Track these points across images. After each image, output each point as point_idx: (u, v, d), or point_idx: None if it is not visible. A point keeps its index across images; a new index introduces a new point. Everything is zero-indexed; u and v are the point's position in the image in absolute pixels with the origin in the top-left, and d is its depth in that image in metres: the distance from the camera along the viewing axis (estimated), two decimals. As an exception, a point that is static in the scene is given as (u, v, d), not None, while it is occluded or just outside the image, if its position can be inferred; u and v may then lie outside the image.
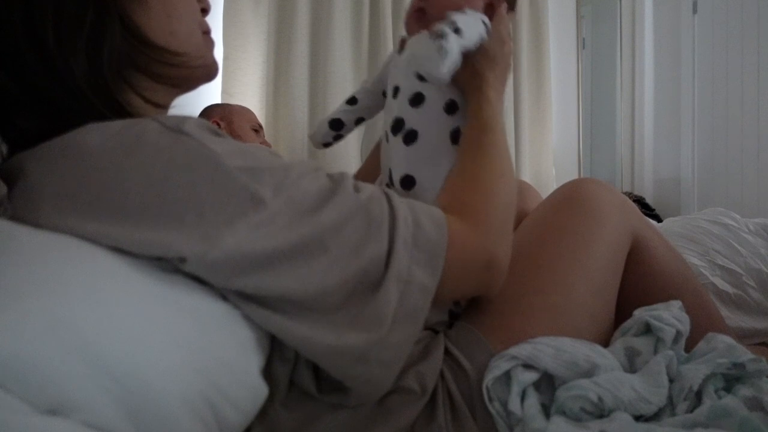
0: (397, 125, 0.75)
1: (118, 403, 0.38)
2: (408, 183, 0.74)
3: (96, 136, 0.46)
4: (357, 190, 0.53)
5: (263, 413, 0.51)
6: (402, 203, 0.54)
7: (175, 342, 0.42)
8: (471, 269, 0.56)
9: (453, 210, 0.57)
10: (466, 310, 0.70)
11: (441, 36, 0.62)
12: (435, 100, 0.74)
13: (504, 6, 0.78)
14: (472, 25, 0.69)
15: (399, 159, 0.75)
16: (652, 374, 0.62)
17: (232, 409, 0.45)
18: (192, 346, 0.43)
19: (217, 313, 0.46)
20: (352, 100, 0.90)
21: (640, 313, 0.71)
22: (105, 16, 0.53)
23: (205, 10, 0.66)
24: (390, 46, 2.40)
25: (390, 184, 0.77)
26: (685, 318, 0.71)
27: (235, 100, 2.18)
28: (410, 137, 0.74)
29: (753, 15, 2.26)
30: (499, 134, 0.68)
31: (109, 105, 0.52)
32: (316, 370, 0.55)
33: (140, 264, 0.45)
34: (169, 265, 0.46)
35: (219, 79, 2.17)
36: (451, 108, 0.74)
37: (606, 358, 0.64)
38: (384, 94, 0.83)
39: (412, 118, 0.74)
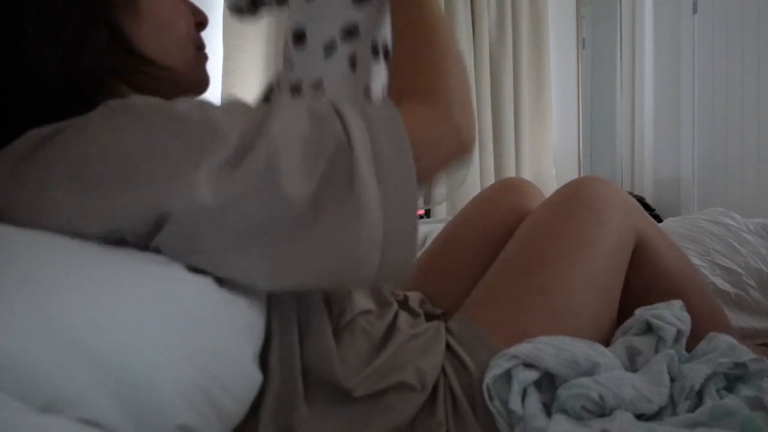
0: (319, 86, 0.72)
1: (113, 396, 0.37)
2: (299, 37, 0.70)
3: (51, 132, 0.46)
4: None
5: (262, 407, 0.51)
6: (339, 101, 0.53)
7: (167, 333, 0.42)
8: (441, 141, 0.55)
9: (408, 95, 0.57)
10: (469, 306, 0.70)
11: None
12: None
13: None
14: None
15: (297, 10, 0.72)
16: (654, 373, 0.62)
17: (227, 398, 0.45)
18: (185, 336, 0.43)
19: (210, 303, 0.46)
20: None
21: (641, 313, 0.70)
22: (90, 21, 0.52)
23: (201, 24, 0.65)
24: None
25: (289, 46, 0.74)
26: (686, 317, 0.70)
27: (234, 100, 2.18)
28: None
29: (753, 15, 2.26)
30: (429, 7, 0.63)
31: (85, 109, 0.51)
32: (336, 335, 0.56)
33: (130, 258, 0.44)
34: (161, 257, 0.46)
35: (219, 79, 2.17)
36: None
37: (607, 356, 0.64)
38: None
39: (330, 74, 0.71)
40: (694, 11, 2.52)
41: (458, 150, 0.57)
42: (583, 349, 0.63)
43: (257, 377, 0.49)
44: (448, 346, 0.63)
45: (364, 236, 0.47)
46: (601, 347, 0.65)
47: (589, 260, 0.70)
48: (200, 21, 0.65)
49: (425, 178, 0.55)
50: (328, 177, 0.47)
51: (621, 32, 2.88)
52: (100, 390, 0.37)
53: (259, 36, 2.24)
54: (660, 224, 1.42)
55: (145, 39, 0.56)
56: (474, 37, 2.60)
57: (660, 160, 2.74)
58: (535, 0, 2.73)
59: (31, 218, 0.44)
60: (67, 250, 0.42)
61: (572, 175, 2.87)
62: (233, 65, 2.17)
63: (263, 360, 0.52)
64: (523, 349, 0.62)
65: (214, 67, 0.68)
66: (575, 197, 0.76)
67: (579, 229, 0.72)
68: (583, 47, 3.02)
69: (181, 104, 0.48)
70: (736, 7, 2.33)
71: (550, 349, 0.62)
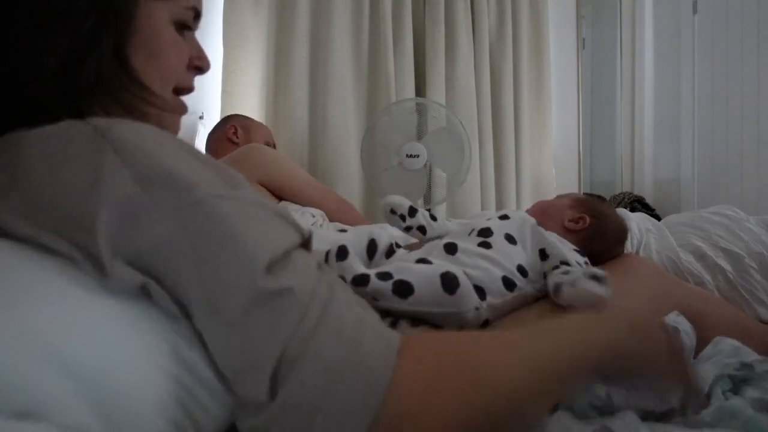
0: (485, 232, 0.85)
1: (90, 406, 0.37)
2: (451, 248, 0.82)
3: (33, 141, 0.45)
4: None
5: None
6: (349, 302, 0.42)
7: (144, 344, 0.41)
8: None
9: (421, 351, 0.42)
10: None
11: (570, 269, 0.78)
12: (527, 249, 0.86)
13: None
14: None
15: (464, 240, 0.84)
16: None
17: (203, 413, 0.44)
18: (165, 348, 0.42)
19: None
20: (432, 217, 0.95)
21: None
22: (103, 29, 0.51)
23: (199, 69, 0.62)
24: (390, 46, 2.39)
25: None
26: (682, 320, 0.74)
27: (235, 100, 2.18)
28: (486, 245, 0.83)
29: (753, 15, 2.26)
30: (566, 354, 0.48)
31: (72, 115, 0.49)
32: None
33: None
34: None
35: (219, 78, 2.17)
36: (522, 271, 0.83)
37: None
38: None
39: (498, 244, 0.84)
40: (694, 11, 2.52)
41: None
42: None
43: None
44: None
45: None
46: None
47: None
48: (199, 66, 0.62)
49: None
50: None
51: (621, 32, 2.88)
52: (77, 399, 0.37)
53: (259, 36, 2.23)
54: (662, 220, 1.45)
55: (134, 62, 0.54)
56: (474, 37, 2.60)
57: (660, 160, 2.74)
58: (535, 0, 2.73)
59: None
60: (41, 264, 0.41)
61: (572, 175, 2.87)
62: (233, 65, 2.16)
63: None
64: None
65: (214, 66, 0.66)
66: (620, 264, 0.95)
67: (618, 277, 0.82)
68: (583, 47, 3.02)
69: (155, 167, 0.43)
70: (736, 7, 2.33)
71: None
